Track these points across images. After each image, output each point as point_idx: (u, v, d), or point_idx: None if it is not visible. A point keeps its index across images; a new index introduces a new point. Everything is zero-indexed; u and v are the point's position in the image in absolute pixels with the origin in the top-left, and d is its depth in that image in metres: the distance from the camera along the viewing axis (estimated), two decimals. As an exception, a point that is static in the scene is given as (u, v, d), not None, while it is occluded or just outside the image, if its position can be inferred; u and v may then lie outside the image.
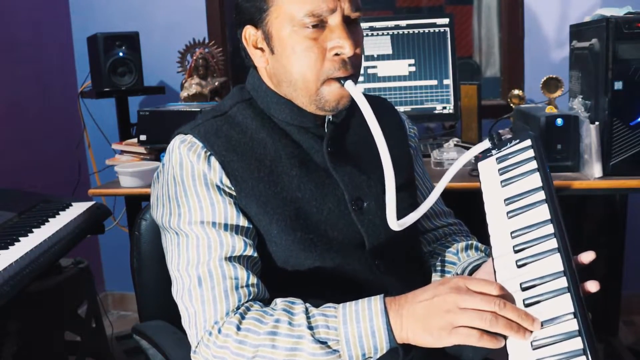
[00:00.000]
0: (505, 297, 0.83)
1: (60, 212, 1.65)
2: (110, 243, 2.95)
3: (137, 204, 2.03)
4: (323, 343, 0.88)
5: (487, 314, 0.80)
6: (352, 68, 1.01)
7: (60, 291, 2.07)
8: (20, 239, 1.43)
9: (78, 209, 1.70)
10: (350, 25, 1.01)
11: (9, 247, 1.37)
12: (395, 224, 0.98)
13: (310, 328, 0.89)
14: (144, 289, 1.31)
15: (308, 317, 0.90)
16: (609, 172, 1.68)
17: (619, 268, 2.39)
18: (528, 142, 0.99)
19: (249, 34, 1.05)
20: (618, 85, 1.63)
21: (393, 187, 0.97)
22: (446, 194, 1.42)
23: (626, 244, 2.41)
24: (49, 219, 1.59)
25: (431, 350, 1.12)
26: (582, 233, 2.40)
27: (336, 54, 0.99)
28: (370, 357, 0.89)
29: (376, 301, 0.89)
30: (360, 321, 0.88)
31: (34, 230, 1.49)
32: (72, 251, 1.60)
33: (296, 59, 1.00)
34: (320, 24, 0.98)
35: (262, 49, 1.05)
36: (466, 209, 1.27)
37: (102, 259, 3.07)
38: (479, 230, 1.03)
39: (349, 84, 1.00)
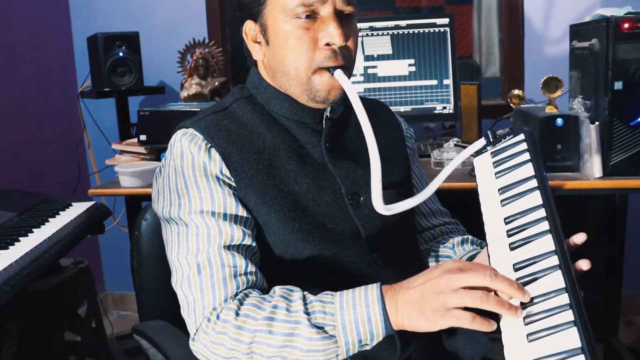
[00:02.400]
0: (497, 272, 0.84)
1: (60, 212, 1.65)
2: (110, 243, 2.95)
3: (137, 204, 2.03)
4: (320, 328, 0.89)
5: (478, 292, 0.81)
6: (343, 59, 1.03)
7: (60, 291, 2.07)
8: (20, 239, 1.43)
9: (78, 209, 1.70)
10: (344, 20, 1.03)
11: (9, 247, 1.37)
12: (382, 208, 0.99)
13: (307, 313, 0.90)
14: (144, 289, 1.31)
15: (305, 304, 0.91)
16: (609, 172, 1.68)
17: (619, 268, 2.39)
18: (521, 137, 1.02)
19: (249, 28, 1.09)
20: (618, 85, 1.63)
21: (379, 170, 0.98)
22: (446, 194, 1.43)
23: (626, 244, 2.40)
24: (49, 219, 1.59)
25: (431, 347, 1.13)
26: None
27: (327, 44, 1.02)
28: (367, 344, 0.90)
29: (373, 289, 0.91)
30: (356, 307, 0.89)
31: (34, 230, 1.49)
32: (72, 251, 1.60)
33: (288, 48, 1.03)
34: (312, 15, 1.01)
35: (260, 43, 1.08)
36: (466, 209, 1.27)
37: (102, 259, 3.07)
38: (479, 231, 1.03)
39: (338, 72, 1.02)
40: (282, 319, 0.90)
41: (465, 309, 0.83)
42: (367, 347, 0.91)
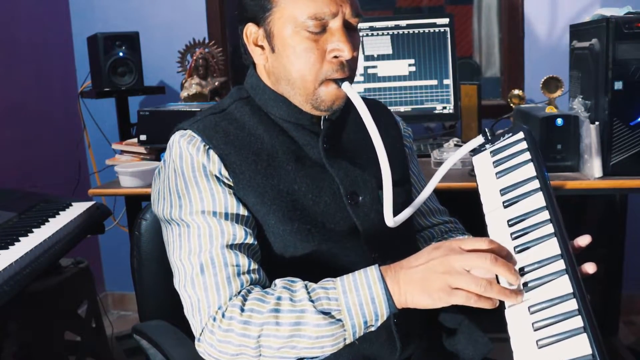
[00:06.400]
0: (496, 249, 0.87)
1: (60, 212, 1.65)
2: (110, 243, 2.95)
3: (137, 204, 2.03)
4: (326, 314, 0.90)
5: (483, 281, 0.84)
6: (349, 70, 1.04)
7: (60, 291, 2.08)
8: (20, 239, 1.43)
9: (78, 209, 1.70)
10: (350, 30, 1.04)
11: (9, 247, 1.37)
12: (391, 221, 1.02)
13: (312, 301, 0.91)
14: (144, 289, 1.31)
15: (308, 292, 0.92)
16: (609, 172, 1.68)
17: (619, 268, 2.39)
18: (521, 135, 1.01)
19: (251, 31, 1.08)
20: (618, 85, 1.63)
21: (390, 183, 1.00)
22: (445, 193, 1.43)
23: (626, 244, 2.41)
24: (49, 219, 1.59)
25: (431, 347, 1.13)
26: (582, 233, 2.40)
27: (335, 57, 1.02)
28: (372, 325, 0.92)
29: (372, 270, 0.92)
30: (359, 289, 0.91)
31: (34, 230, 1.49)
32: (72, 251, 1.60)
33: (296, 58, 1.02)
34: (321, 27, 1.01)
35: (262, 47, 1.08)
36: (465, 209, 1.27)
37: (102, 259, 3.07)
38: (478, 230, 1.03)
39: (346, 85, 1.03)
40: (287, 309, 0.91)
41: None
42: (372, 328, 0.92)
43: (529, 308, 0.82)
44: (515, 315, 0.83)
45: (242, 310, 0.92)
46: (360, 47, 1.09)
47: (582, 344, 0.75)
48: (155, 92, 2.62)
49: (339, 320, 0.90)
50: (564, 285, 0.81)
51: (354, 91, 1.03)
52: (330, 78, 1.03)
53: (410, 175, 1.24)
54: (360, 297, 0.90)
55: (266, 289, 0.96)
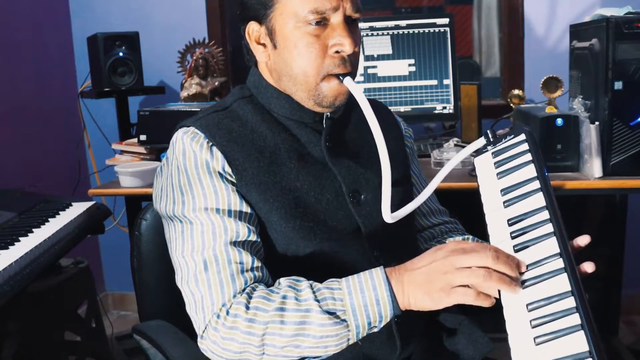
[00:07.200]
0: (501, 260, 0.87)
1: (60, 212, 1.65)
2: (110, 243, 2.95)
3: (137, 204, 2.03)
4: (331, 314, 0.90)
5: (481, 270, 0.84)
6: (351, 66, 1.05)
7: (60, 291, 2.08)
8: (20, 239, 1.43)
9: (78, 209, 1.70)
10: (351, 25, 1.04)
11: (9, 247, 1.37)
12: (389, 217, 1.02)
13: (317, 300, 0.91)
14: (144, 289, 1.31)
15: (314, 291, 0.93)
16: (609, 172, 1.68)
17: (619, 268, 2.39)
18: (522, 137, 1.02)
19: (253, 29, 1.09)
20: (618, 85, 1.63)
21: (389, 179, 1.00)
22: (446, 194, 1.43)
23: (626, 244, 2.41)
24: (49, 219, 1.59)
25: (431, 347, 1.14)
26: (582, 233, 2.40)
27: (336, 52, 1.03)
28: (375, 327, 0.92)
29: (377, 272, 0.93)
30: (364, 291, 0.91)
31: (34, 230, 1.49)
32: (72, 251, 1.60)
33: (298, 54, 1.03)
34: (322, 22, 1.02)
35: (264, 45, 1.08)
36: (466, 209, 1.27)
37: (102, 259, 3.07)
38: (478, 230, 1.03)
39: (348, 80, 1.03)
40: (292, 309, 0.91)
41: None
42: (375, 329, 0.93)
43: (527, 305, 0.82)
44: (513, 313, 0.83)
45: (247, 308, 0.92)
46: (360, 42, 1.09)
47: (580, 341, 0.76)
48: (155, 92, 2.62)
49: (344, 320, 0.91)
50: (563, 283, 0.81)
51: (356, 86, 1.03)
52: (332, 73, 1.03)
53: (412, 176, 1.24)
54: (366, 298, 0.91)
55: (271, 288, 0.96)
